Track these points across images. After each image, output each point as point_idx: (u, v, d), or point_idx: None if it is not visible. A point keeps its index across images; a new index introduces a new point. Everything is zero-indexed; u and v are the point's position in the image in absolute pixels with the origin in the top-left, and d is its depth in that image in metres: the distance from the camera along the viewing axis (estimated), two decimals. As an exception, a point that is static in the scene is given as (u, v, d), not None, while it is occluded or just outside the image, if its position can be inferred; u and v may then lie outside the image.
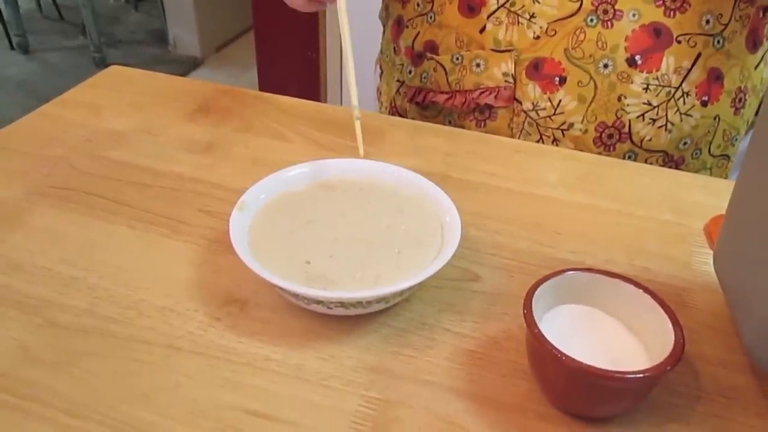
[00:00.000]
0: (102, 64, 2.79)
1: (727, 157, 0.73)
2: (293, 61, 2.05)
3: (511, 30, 0.64)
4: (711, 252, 0.52)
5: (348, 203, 0.50)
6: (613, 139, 0.66)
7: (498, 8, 0.64)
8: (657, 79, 0.63)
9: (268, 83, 2.13)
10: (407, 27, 0.73)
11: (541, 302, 0.39)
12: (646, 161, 0.68)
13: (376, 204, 0.50)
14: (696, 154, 0.69)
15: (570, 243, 0.52)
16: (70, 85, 0.73)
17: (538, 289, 0.39)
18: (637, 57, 0.62)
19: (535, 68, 0.65)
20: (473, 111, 0.70)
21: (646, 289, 0.40)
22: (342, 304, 0.42)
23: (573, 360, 0.35)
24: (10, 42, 2.90)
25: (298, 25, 1.99)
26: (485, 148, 0.64)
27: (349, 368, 0.41)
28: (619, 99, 0.64)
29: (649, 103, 0.64)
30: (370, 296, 0.41)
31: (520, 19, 0.64)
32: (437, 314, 0.45)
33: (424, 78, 0.72)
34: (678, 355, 0.35)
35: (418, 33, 0.71)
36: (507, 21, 0.64)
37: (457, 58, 0.68)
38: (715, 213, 0.56)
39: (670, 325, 0.37)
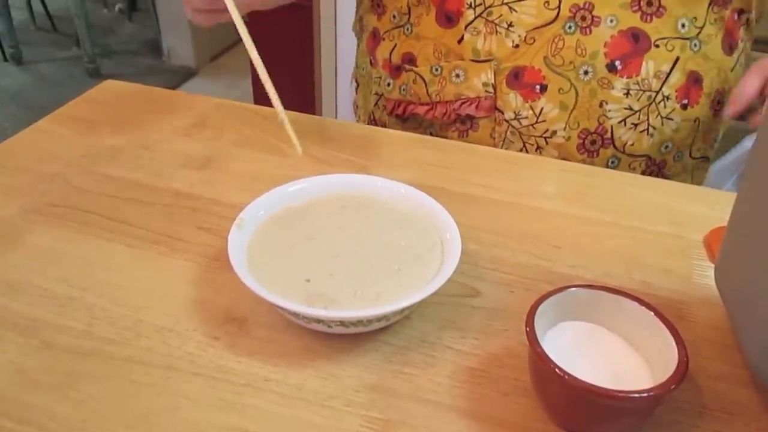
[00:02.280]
0: (96, 74, 2.78)
1: (707, 159, 0.73)
2: (288, 70, 2.05)
3: (489, 39, 0.64)
4: (709, 264, 0.52)
5: (347, 219, 0.50)
6: (596, 145, 0.66)
7: (475, 18, 0.64)
8: (637, 83, 0.63)
9: (263, 93, 2.13)
10: (384, 39, 0.72)
11: (543, 319, 0.39)
12: (629, 166, 0.68)
13: (374, 219, 0.50)
14: (678, 157, 0.70)
15: (568, 257, 0.52)
16: (64, 96, 0.72)
17: (541, 306, 0.39)
18: (617, 62, 0.63)
19: (516, 77, 0.65)
20: (455, 122, 0.70)
21: (648, 306, 0.39)
22: (342, 323, 0.42)
23: (576, 379, 0.35)
24: (4, 53, 2.89)
25: (293, 34, 1.99)
26: (480, 160, 0.64)
27: (350, 387, 0.41)
28: (601, 105, 0.64)
29: (631, 108, 0.65)
30: (370, 315, 0.41)
31: (498, 29, 0.64)
32: (438, 331, 0.45)
33: (404, 90, 0.72)
34: (682, 374, 0.35)
35: (395, 45, 0.71)
36: (485, 31, 0.64)
37: (437, 69, 0.68)
38: (710, 223, 0.55)
39: (673, 342, 0.37)
